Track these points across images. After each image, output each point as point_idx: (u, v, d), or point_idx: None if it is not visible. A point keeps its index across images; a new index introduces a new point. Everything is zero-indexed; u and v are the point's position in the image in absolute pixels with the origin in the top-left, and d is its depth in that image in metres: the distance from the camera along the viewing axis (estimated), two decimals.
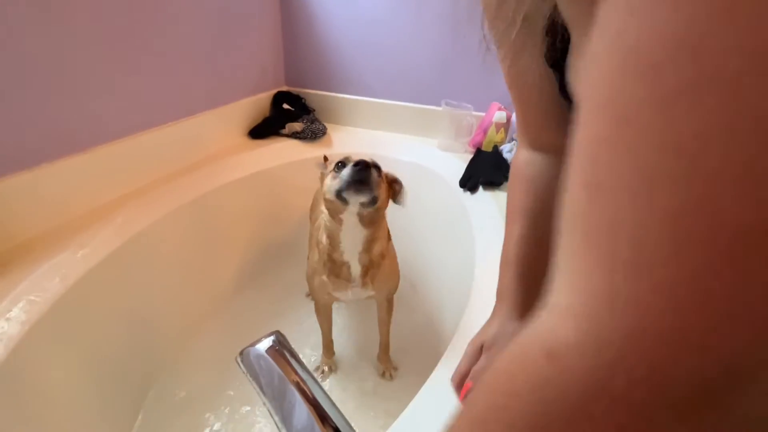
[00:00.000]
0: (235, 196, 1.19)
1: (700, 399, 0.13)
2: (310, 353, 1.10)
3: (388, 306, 0.99)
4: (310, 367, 1.08)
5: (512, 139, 1.26)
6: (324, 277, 0.86)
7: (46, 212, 0.80)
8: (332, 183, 0.74)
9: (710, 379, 0.13)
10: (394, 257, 0.94)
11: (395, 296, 1.00)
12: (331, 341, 1.05)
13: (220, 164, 1.18)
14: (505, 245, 0.50)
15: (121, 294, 0.84)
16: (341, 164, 0.75)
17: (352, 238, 0.80)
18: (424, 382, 0.58)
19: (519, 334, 0.17)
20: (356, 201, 0.72)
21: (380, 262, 0.86)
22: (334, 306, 1.02)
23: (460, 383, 0.48)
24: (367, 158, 0.76)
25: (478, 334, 0.50)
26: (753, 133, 0.11)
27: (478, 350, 0.48)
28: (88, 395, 0.75)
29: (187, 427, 0.90)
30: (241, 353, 0.41)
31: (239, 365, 0.41)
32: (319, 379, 1.01)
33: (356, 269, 0.83)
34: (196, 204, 1.06)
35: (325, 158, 0.92)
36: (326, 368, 1.04)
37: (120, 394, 0.84)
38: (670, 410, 0.13)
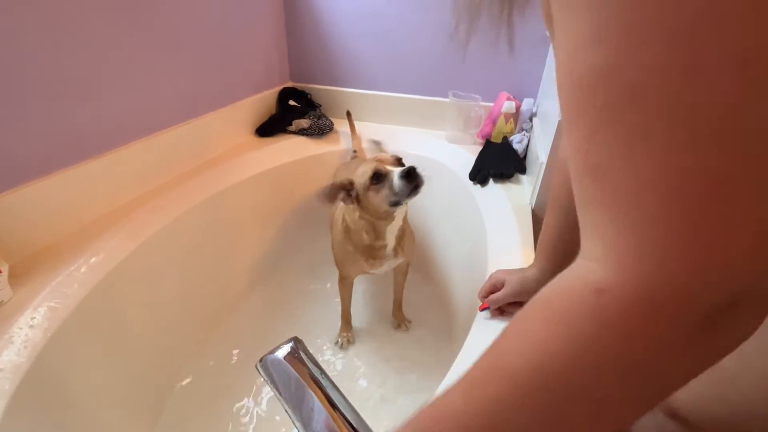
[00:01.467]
0: (245, 195, 1.19)
1: (709, 319, 0.19)
2: (324, 344, 1.12)
3: (405, 270, 1.11)
4: (330, 340, 1.14)
5: (522, 130, 1.24)
6: (363, 261, 0.95)
7: (62, 219, 0.81)
8: (384, 197, 0.79)
9: (710, 305, 0.19)
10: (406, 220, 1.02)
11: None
12: (350, 315, 1.13)
13: (228, 164, 1.19)
14: (548, 217, 0.60)
15: (139, 297, 0.86)
16: (377, 175, 0.79)
17: (395, 225, 0.89)
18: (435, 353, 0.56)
19: (562, 277, 0.23)
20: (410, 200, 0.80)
21: (405, 230, 0.96)
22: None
23: (482, 298, 0.65)
24: (391, 157, 0.82)
25: (505, 271, 0.64)
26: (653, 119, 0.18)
27: (500, 283, 0.63)
28: (111, 398, 0.77)
29: (209, 424, 0.92)
30: (260, 360, 0.41)
31: (259, 372, 0.41)
32: (339, 351, 1.11)
33: (391, 245, 0.94)
34: (207, 205, 1.06)
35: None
36: (345, 341, 1.11)
37: (142, 396, 0.86)
38: (687, 327, 0.19)
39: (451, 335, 1.12)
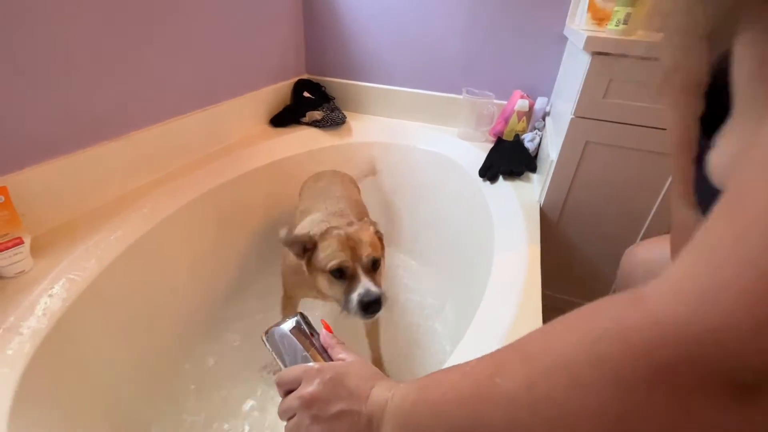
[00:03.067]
0: (257, 184, 1.21)
1: (746, 388, 0.16)
2: None
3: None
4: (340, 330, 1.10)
5: (534, 128, 1.24)
6: (314, 290, 0.82)
7: (82, 197, 0.84)
8: (335, 293, 0.71)
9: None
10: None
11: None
12: None
13: (242, 152, 1.21)
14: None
15: (151, 275, 0.88)
16: (340, 271, 0.70)
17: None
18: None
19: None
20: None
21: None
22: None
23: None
24: (373, 285, 0.69)
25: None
26: None
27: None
28: (123, 368, 0.80)
29: (222, 399, 0.94)
30: (266, 332, 0.43)
31: (264, 343, 0.43)
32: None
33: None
34: (220, 191, 1.09)
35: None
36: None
37: (153, 369, 0.89)
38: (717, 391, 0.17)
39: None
